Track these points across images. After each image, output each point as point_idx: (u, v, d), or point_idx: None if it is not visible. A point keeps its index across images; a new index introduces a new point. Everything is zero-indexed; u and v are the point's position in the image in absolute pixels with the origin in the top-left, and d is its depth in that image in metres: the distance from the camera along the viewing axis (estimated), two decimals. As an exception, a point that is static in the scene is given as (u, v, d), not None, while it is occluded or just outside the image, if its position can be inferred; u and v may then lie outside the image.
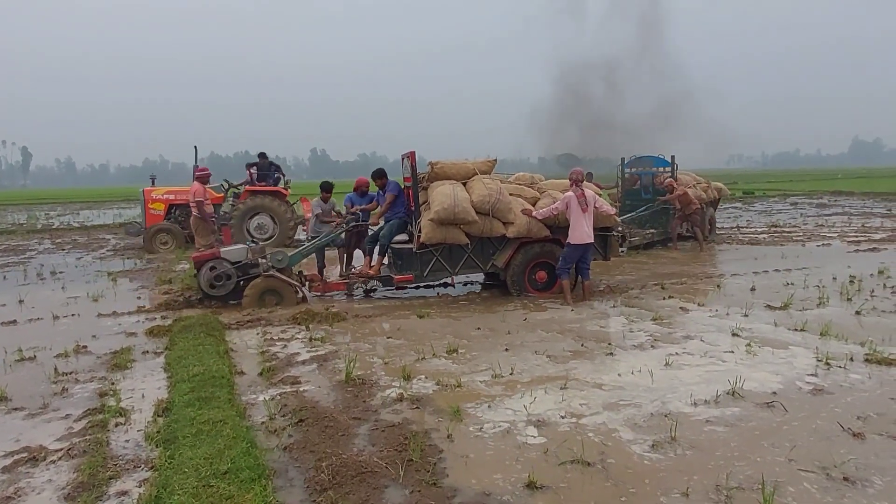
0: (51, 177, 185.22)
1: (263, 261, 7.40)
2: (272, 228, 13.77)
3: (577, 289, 7.43)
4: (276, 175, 14.37)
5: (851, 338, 5.32)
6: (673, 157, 12.35)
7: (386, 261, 8.21)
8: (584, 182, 7.47)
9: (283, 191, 14.20)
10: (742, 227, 15.77)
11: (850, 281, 7.86)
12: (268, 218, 13.77)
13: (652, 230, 12.08)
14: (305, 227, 15.35)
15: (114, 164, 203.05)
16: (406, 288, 8.22)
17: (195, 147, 14.10)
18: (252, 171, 14.13)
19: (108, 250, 14.00)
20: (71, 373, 4.95)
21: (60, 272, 10.59)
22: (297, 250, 8.00)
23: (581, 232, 6.99)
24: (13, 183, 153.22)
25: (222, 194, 14.58)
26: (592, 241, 7.16)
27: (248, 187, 13.93)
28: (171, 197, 14.13)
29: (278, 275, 7.35)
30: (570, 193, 7.08)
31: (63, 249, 14.41)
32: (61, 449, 3.54)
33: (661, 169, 12.54)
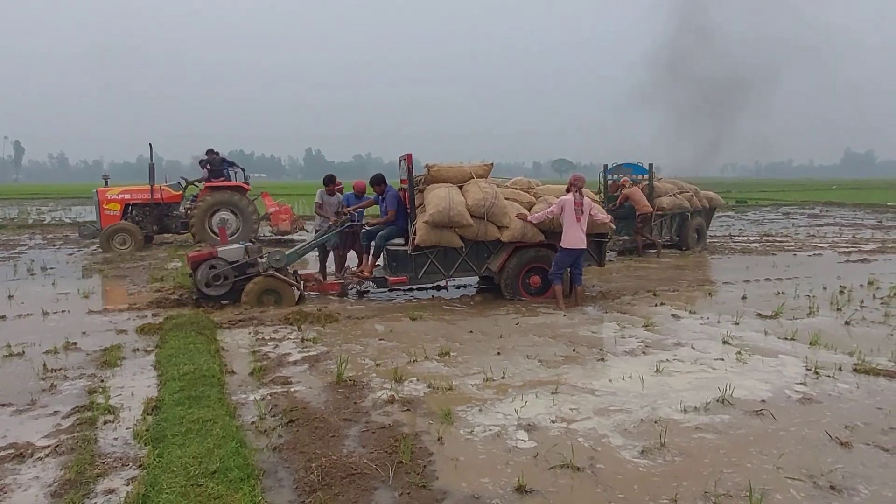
0: (43, 172, 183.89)
1: (262, 260, 7.39)
2: (235, 224, 13.66)
3: (570, 294, 7.45)
4: (229, 170, 14.19)
5: (840, 347, 5.37)
6: (651, 165, 12.48)
7: (381, 262, 8.23)
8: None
9: (245, 185, 14.09)
10: (734, 236, 15.87)
11: (841, 291, 7.93)
12: (230, 213, 13.67)
13: (626, 236, 12.14)
14: (269, 224, 15.31)
15: (107, 161, 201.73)
16: (399, 289, 8.24)
17: (150, 145, 13.75)
18: (206, 168, 13.92)
19: (99, 247, 13.91)
20: (60, 369, 4.91)
21: (51, 268, 10.52)
22: (293, 249, 8.00)
23: (574, 237, 7.04)
24: (5, 177, 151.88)
25: (180, 192, 14.35)
26: (585, 246, 7.21)
27: (206, 184, 13.76)
28: (127, 196, 13.82)
29: (278, 274, 7.34)
30: (566, 197, 7.14)
31: (54, 245, 14.32)
32: (49, 446, 3.51)
33: (640, 177, 12.63)
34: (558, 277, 7.22)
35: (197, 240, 13.60)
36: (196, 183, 14.23)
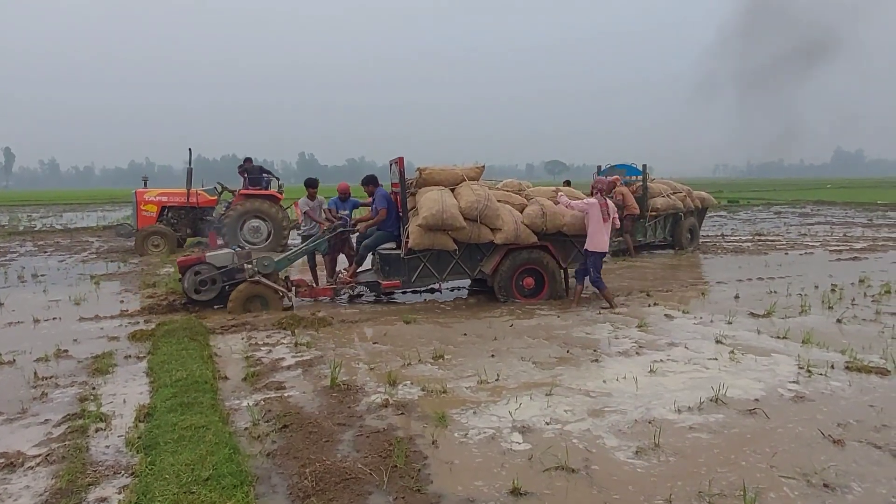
0: (34, 178, 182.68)
1: (249, 266, 7.35)
2: (266, 232, 13.68)
3: (567, 295, 7.47)
4: (267, 178, 14.27)
5: (833, 345, 5.40)
6: (644, 166, 12.56)
7: (374, 266, 8.21)
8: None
9: (278, 195, 14.11)
10: (727, 236, 15.94)
11: (832, 289, 7.98)
12: (262, 222, 13.68)
13: (618, 238, 12.19)
14: (299, 232, 15.29)
15: (99, 167, 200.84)
16: (393, 293, 8.22)
17: (189, 149, 14.03)
18: (244, 175, 14.02)
19: (90, 253, 13.83)
20: (51, 377, 4.87)
21: (42, 275, 10.44)
22: (283, 255, 7.96)
23: (601, 240, 7.17)
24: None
25: (215, 197, 14.47)
26: (607, 250, 7.32)
27: (241, 191, 13.82)
28: (164, 199, 14.03)
29: (264, 280, 7.30)
30: (592, 200, 7.26)
31: (45, 252, 14.21)
32: (40, 455, 3.48)
33: (633, 178, 12.69)
34: (601, 281, 7.24)
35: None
36: (232, 190, 14.30)
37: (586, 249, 7.26)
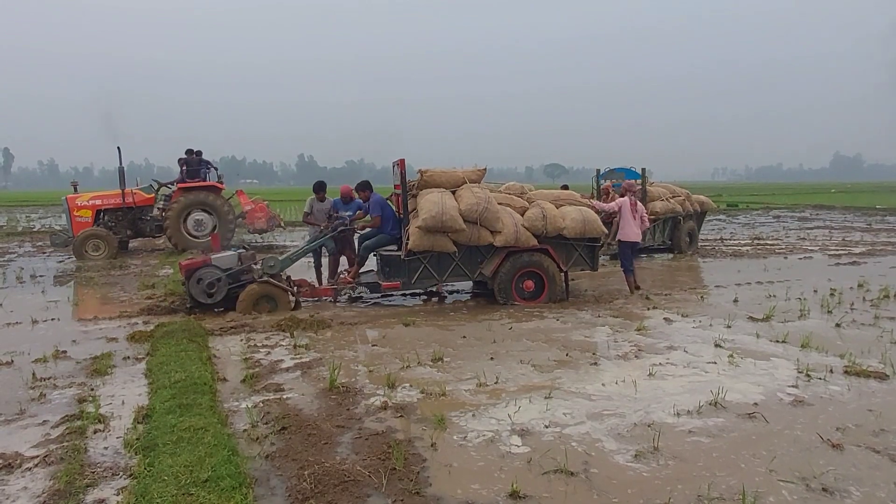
0: (33, 179, 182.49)
1: (256, 267, 7.36)
2: (211, 225, 13.55)
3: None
4: (206, 171, 14.12)
5: (831, 350, 5.40)
6: (643, 170, 12.57)
7: (374, 267, 8.22)
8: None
9: (219, 185, 13.94)
10: (726, 240, 15.95)
11: (831, 294, 7.98)
12: (205, 214, 13.56)
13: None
14: (245, 221, 15.21)
15: (98, 167, 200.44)
16: (392, 295, 8.22)
17: (118, 148, 13.47)
18: (183, 168, 13.84)
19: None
20: (49, 378, 4.86)
21: (40, 276, 10.43)
22: (286, 255, 7.98)
23: (632, 232, 8.33)
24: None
25: (152, 195, 14.18)
26: (640, 240, 8.59)
27: (179, 185, 13.63)
28: (98, 202, 13.56)
29: (273, 280, 7.32)
30: (623, 199, 8.42)
31: (44, 253, 14.19)
32: (38, 456, 3.47)
33: (633, 181, 12.71)
34: (629, 270, 8.33)
35: (173, 242, 13.48)
36: (168, 185, 14.06)
37: (619, 240, 8.38)
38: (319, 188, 9.01)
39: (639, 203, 8.52)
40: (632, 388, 4.46)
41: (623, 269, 8.42)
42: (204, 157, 14.45)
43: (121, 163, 13.54)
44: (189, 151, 14.17)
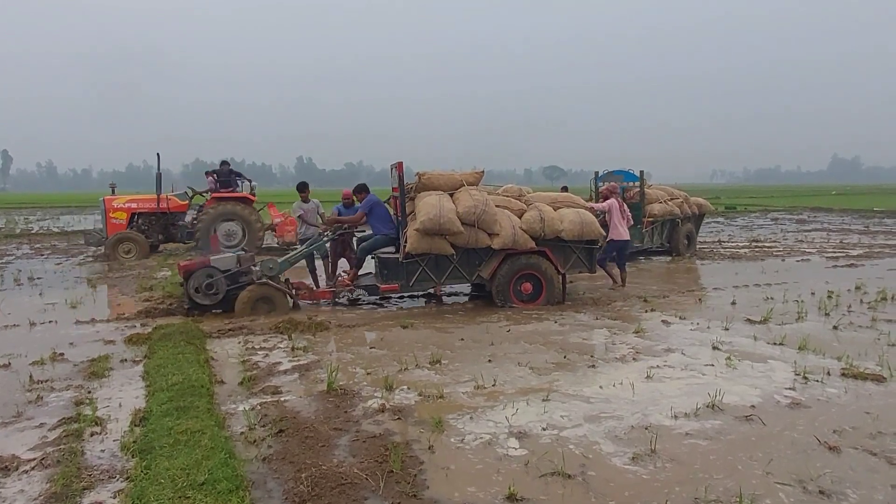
0: (31, 181, 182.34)
1: (255, 269, 7.36)
2: (241, 235, 13.62)
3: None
4: (238, 181, 14.23)
5: (829, 352, 5.41)
6: (641, 172, 12.61)
7: (372, 270, 8.23)
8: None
9: (251, 197, 14.06)
10: (724, 242, 15.97)
11: (829, 296, 7.99)
12: (236, 225, 13.63)
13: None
14: (275, 234, 15.31)
15: (97, 169, 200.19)
16: (391, 297, 8.22)
17: (158, 154, 13.81)
18: (212, 178, 13.93)
19: (87, 256, 13.80)
20: (46, 381, 4.85)
21: (38, 278, 10.41)
22: (285, 258, 7.98)
23: (621, 231, 8.79)
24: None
25: (186, 202, 14.35)
26: (629, 238, 9.03)
27: (213, 194, 13.74)
28: (134, 206, 13.79)
29: (272, 283, 7.32)
30: (612, 201, 8.88)
31: (42, 255, 14.17)
32: (34, 459, 3.46)
33: (630, 184, 12.75)
34: (603, 262, 8.80)
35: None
36: (203, 193, 14.21)
37: (610, 239, 8.73)
38: (302, 188, 9.21)
39: (623, 203, 9.12)
40: (629, 391, 4.47)
41: (599, 262, 8.47)
42: (213, 162, 14.56)
43: (159, 168, 13.73)
44: (223, 163, 14.38)
